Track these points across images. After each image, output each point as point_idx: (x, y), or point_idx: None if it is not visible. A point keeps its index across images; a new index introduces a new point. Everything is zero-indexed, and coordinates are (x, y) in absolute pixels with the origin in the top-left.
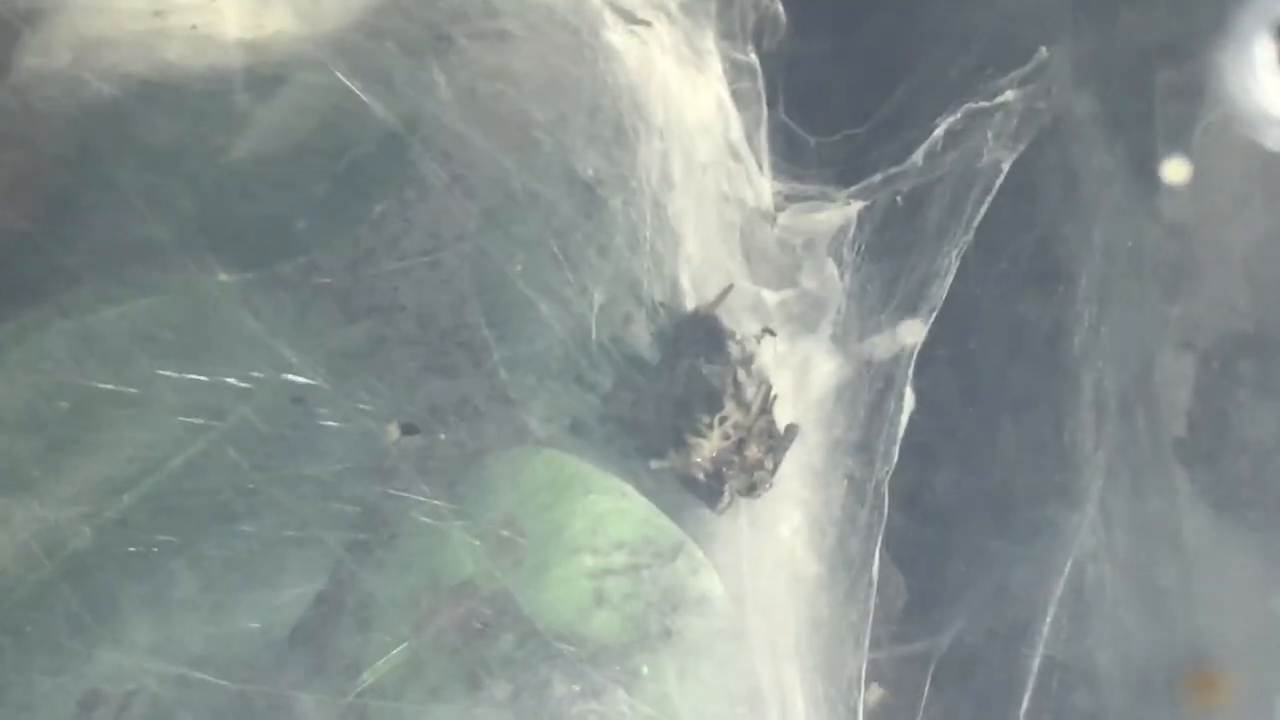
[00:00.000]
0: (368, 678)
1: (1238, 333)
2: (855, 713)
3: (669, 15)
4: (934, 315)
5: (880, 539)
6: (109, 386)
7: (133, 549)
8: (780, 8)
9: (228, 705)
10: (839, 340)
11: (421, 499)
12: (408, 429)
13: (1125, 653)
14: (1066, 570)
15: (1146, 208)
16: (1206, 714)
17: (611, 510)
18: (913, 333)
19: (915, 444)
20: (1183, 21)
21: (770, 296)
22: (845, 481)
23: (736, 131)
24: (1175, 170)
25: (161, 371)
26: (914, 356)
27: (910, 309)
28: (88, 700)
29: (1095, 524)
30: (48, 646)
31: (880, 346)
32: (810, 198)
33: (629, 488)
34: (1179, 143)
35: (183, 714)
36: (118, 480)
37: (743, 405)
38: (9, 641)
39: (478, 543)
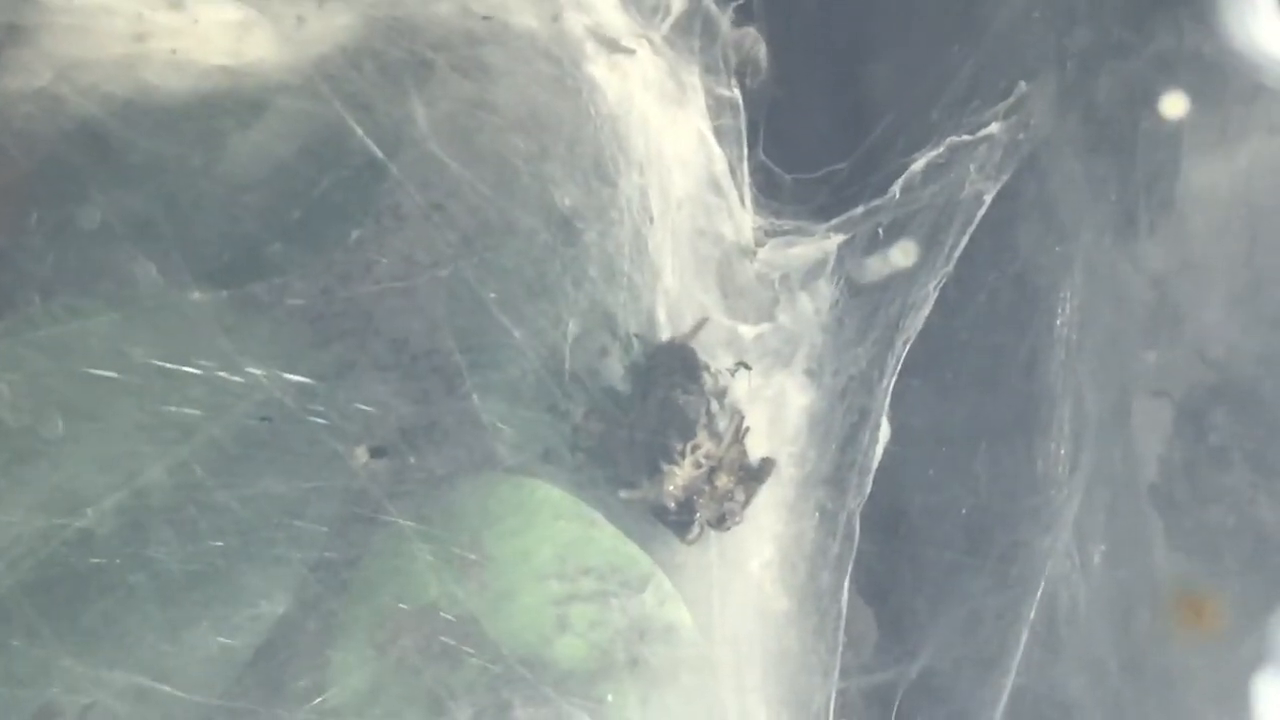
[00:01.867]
0: (331, 699)
1: (1214, 381)
2: None
3: (653, 46)
4: (910, 342)
5: (850, 570)
6: (77, 400)
7: (95, 562)
8: (763, 45)
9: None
10: (814, 375)
11: (389, 521)
12: (376, 451)
13: (1097, 681)
14: (1038, 597)
15: (1125, 247)
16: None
17: (580, 538)
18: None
19: (890, 474)
20: (1162, 59)
21: (747, 331)
22: (817, 514)
23: (718, 166)
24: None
25: (128, 387)
26: (890, 388)
27: (888, 340)
28: (44, 712)
29: (1070, 549)
30: (4, 656)
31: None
32: (790, 232)
33: (598, 516)
34: (1160, 181)
35: None
36: (82, 494)
37: (715, 435)
38: None
39: (444, 566)
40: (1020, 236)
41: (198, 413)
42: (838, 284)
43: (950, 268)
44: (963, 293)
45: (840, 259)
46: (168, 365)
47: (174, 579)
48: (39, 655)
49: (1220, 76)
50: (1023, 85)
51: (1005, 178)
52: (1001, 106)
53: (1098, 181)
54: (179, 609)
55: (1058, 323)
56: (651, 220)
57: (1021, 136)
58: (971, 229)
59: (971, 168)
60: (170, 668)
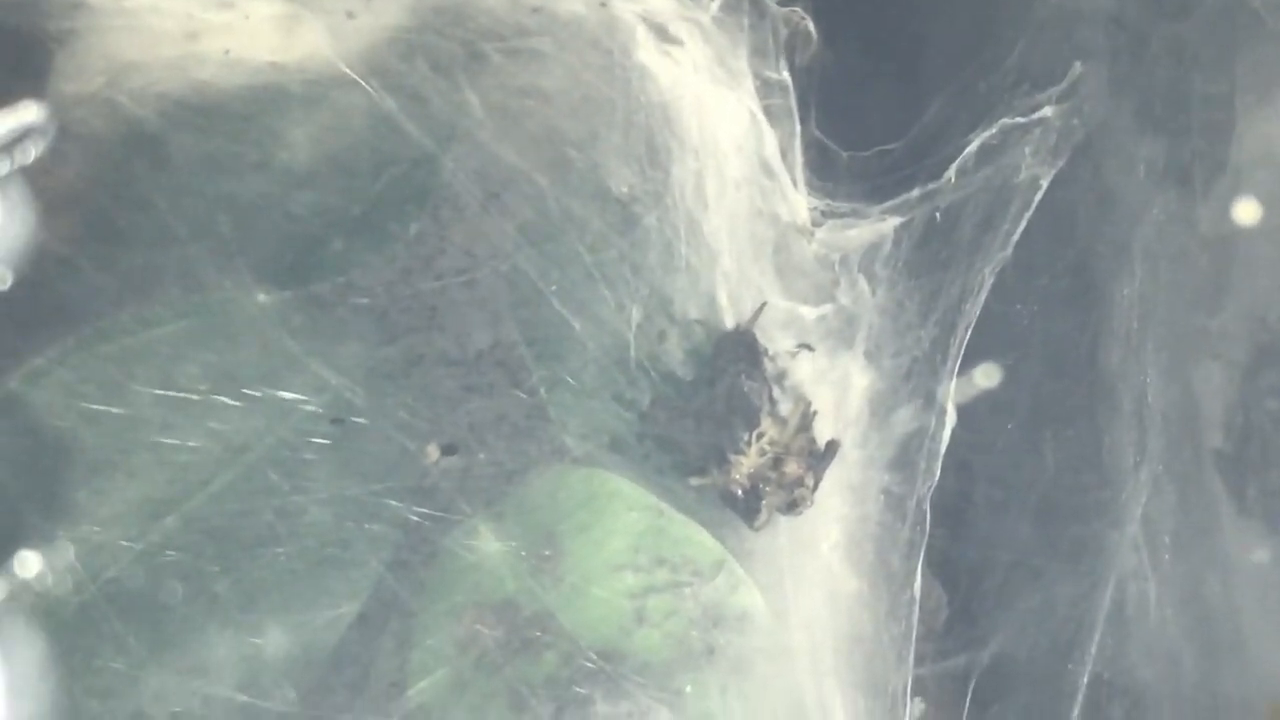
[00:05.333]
0: (413, 698)
1: (1275, 344)
2: None
3: (702, 32)
4: (969, 330)
5: (922, 555)
6: (149, 409)
7: (175, 571)
8: (811, 25)
9: None
10: (873, 357)
11: (461, 518)
12: (447, 449)
13: (1172, 671)
14: (1110, 586)
15: (1184, 220)
16: None
17: (651, 528)
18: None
19: (955, 460)
20: (1216, 32)
21: (808, 312)
22: (882, 497)
23: (770, 148)
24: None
25: (201, 393)
26: (956, 373)
27: (949, 324)
28: None
29: (1138, 540)
30: (93, 668)
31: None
32: (845, 214)
33: (667, 505)
34: (1216, 155)
35: None
36: (159, 503)
37: (780, 422)
38: (56, 664)
39: (518, 561)
40: (1078, 220)
41: (269, 417)
42: (896, 267)
43: (1008, 253)
44: (1023, 277)
45: (897, 241)
46: (238, 371)
47: (253, 585)
48: (126, 666)
49: (1272, 36)
50: (1078, 66)
51: (1061, 163)
52: (1054, 91)
53: (1153, 155)
54: (259, 614)
55: (1118, 304)
56: (707, 204)
57: (1076, 121)
58: (1029, 213)
59: (1026, 151)
60: (253, 673)
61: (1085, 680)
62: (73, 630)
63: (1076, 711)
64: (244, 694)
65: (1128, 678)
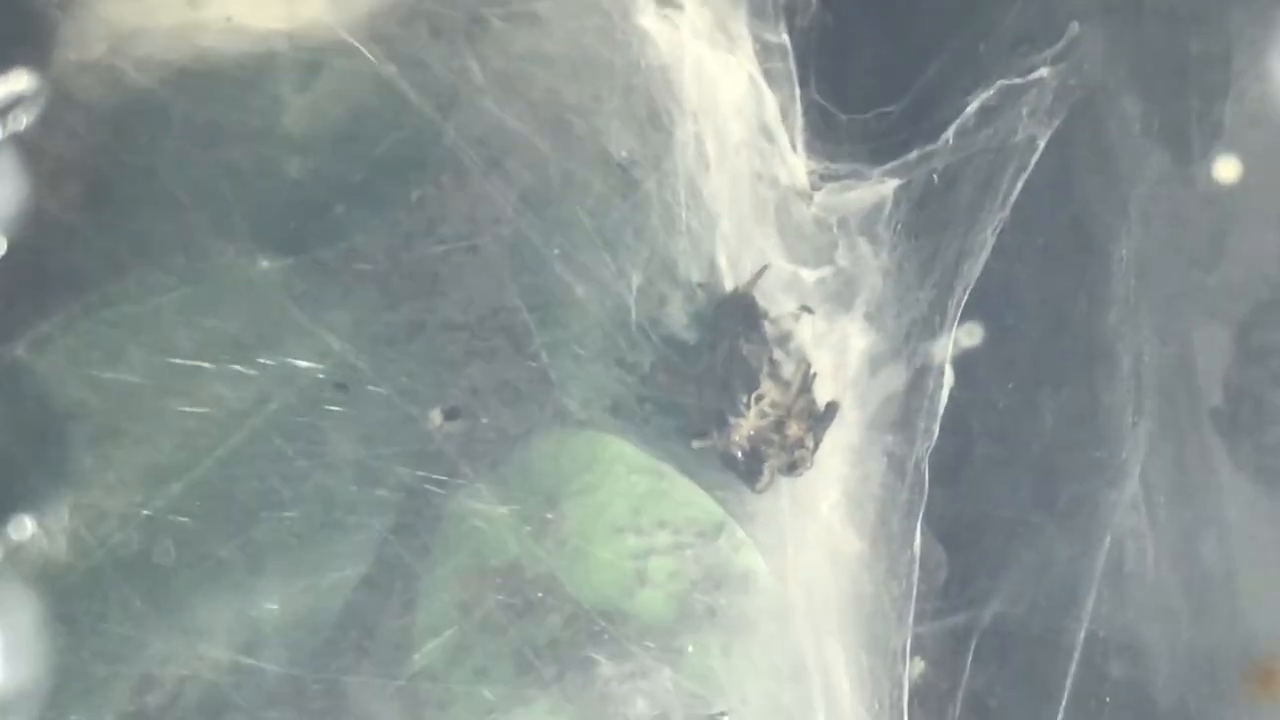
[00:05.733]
0: (418, 661)
1: (1273, 299)
2: (899, 686)
3: None
4: (968, 291)
5: (921, 515)
6: (154, 376)
7: (181, 536)
8: None
9: (279, 689)
10: (874, 319)
11: (464, 482)
12: (450, 413)
13: (1169, 627)
14: (1107, 545)
15: (1181, 179)
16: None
17: (653, 490)
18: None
19: (954, 420)
20: None
21: (808, 275)
22: (884, 458)
23: (770, 111)
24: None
25: (205, 360)
26: (954, 333)
27: (947, 285)
28: (142, 685)
29: (1136, 499)
30: (101, 633)
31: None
32: (844, 176)
33: (669, 468)
34: (1212, 111)
35: (235, 698)
36: (166, 468)
37: (780, 384)
38: (64, 628)
39: (521, 525)
40: (1075, 179)
41: (274, 382)
42: (895, 229)
43: (1006, 213)
44: (1020, 238)
45: (896, 203)
46: (242, 337)
47: (259, 549)
48: (134, 631)
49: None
50: (1075, 26)
51: (1058, 123)
52: (1051, 51)
53: (1150, 114)
54: (265, 578)
55: (1116, 263)
56: (708, 167)
57: (1073, 82)
58: (1026, 174)
59: (1023, 112)
60: (260, 636)
61: (1082, 637)
62: (79, 594)
63: (1074, 668)
64: (250, 657)
65: (1124, 635)
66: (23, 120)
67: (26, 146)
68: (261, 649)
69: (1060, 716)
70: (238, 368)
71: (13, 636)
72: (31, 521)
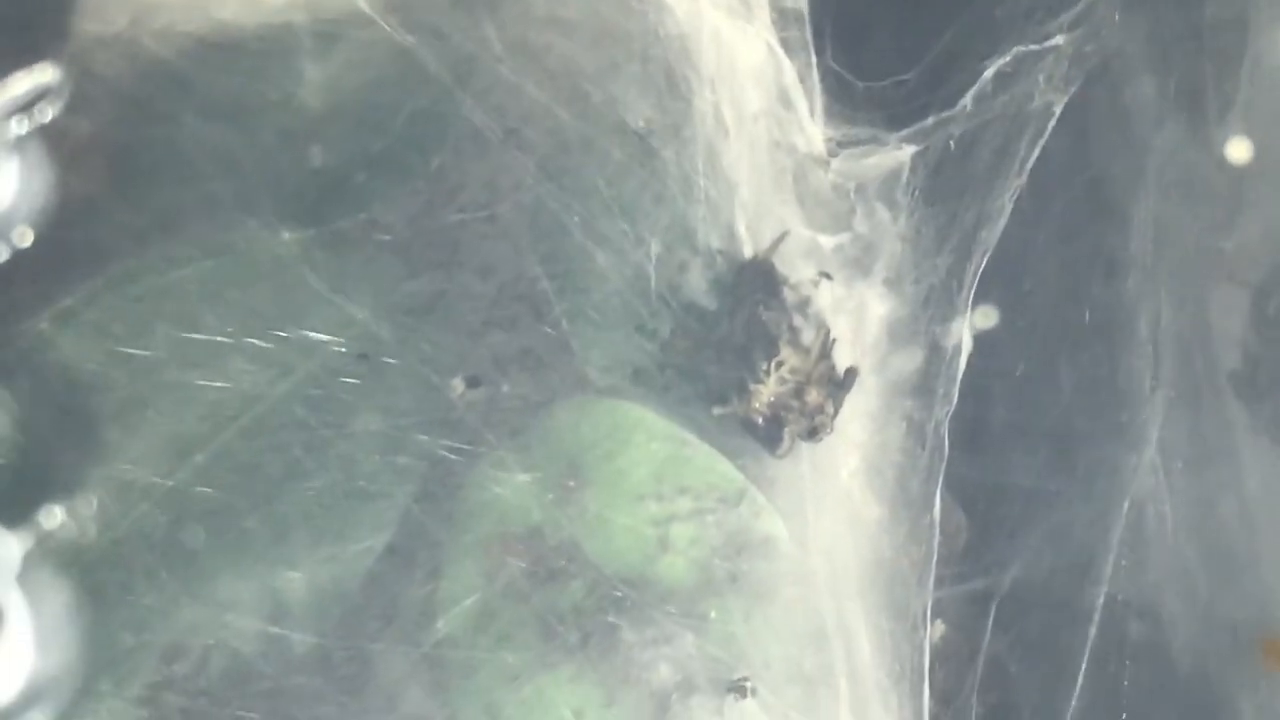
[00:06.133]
0: (442, 628)
1: None
2: (920, 650)
3: None
4: (986, 257)
5: (941, 479)
6: (177, 349)
7: (206, 507)
8: None
9: (304, 658)
10: (893, 284)
11: (486, 450)
12: (471, 382)
13: (1188, 591)
14: (1125, 509)
15: (1198, 144)
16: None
17: (674, 457)
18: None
19: (973, 385)
20: None
21: (826, 241)
22: (903, 423)
23: (788, 79)
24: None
25: (228, 332)
26: (972, 299)
27: (965, 250)
28: (169, 655)
29: (1154, 463)
30: (128, 603)
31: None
32: (862, 142)
33: (690, 434)
34: (1228, 76)
35: (261, 666)
36: (189, 439)
37: (800, 350)
38: (91, 598)
39: (543, 492)
40: (1092, 145)
41: (295, 354)
42: (913, 195)
43: (1023, 180)
44: (1038, 204)
45: (914, 170)
46: (264, 309)
47: (283, 519)
48: (161, 600)
49: None
50: None
51: (1074, 89)
52: (1067, 17)
53: (1166, 80)
54: (289, 547)
55: (1133, 229)
56: (726, 135)
57: (1089, 48)
58: (1043, 140)
59: (1040, 78)
60: (285, 605)
61: (1101, 602)
62: (106, 566)
63: (1093, 632)
64: (275, 626)
65: (1144, 599)
66: (49, 112)
67: (46, 127)
68: (286, 618)
69: (1080, 680)
70: (259, 340)
71: (45, 619)
72: (61, 510)
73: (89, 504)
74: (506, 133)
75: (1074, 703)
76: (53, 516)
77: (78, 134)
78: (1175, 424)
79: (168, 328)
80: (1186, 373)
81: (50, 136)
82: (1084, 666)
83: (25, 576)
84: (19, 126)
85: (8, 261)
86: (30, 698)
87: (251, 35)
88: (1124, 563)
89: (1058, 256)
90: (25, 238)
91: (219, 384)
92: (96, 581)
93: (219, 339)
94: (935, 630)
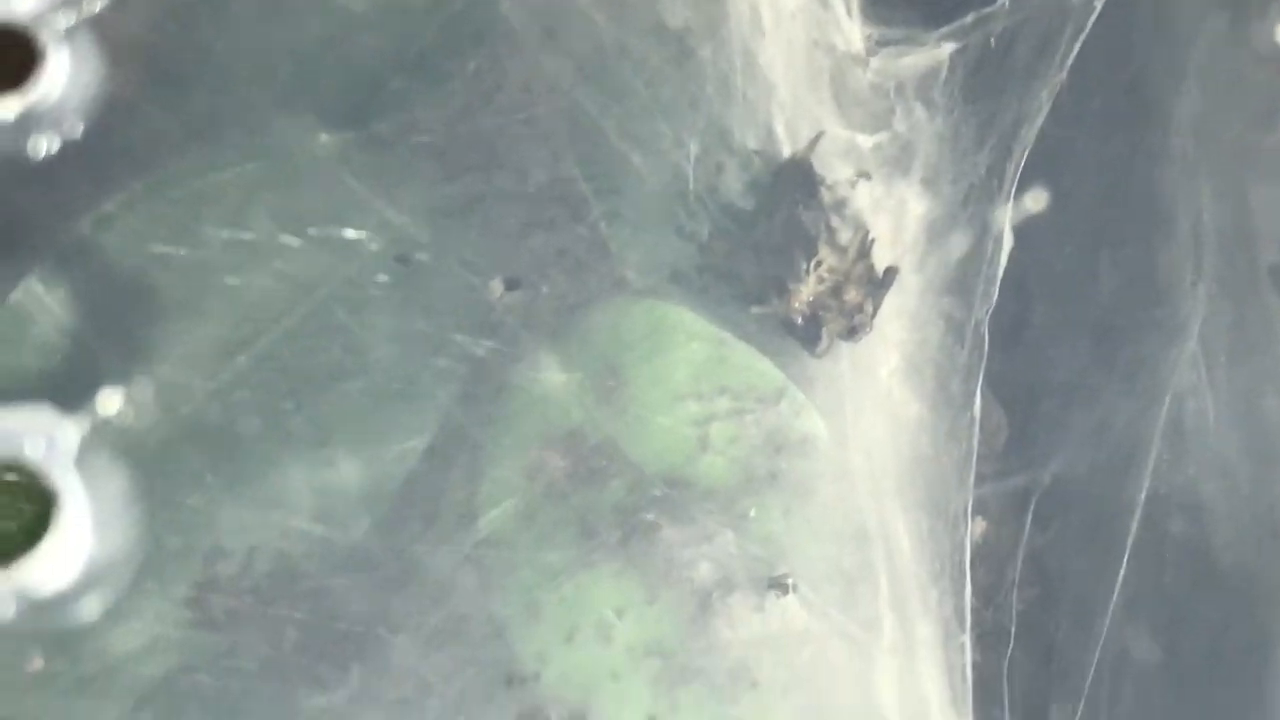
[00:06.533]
0: (483, 527)
1: None
2: (961, 547)
3: None
4: (1025, 154)
5: (981, 377)
6: (217, 251)
7: (249, 408)
8: None
9: (348, 558)
10: (930, 183)
11: (526, 352)
12: (510, 284)
13: (1229, 484)
14: (1166, 404)
15: (1240, 39)
16: None
17: (713, 357)
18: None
19: (1013, 283)
20: None
21: (864, 140)
22: (942, 322)
23: None
24: None
25: (267, 234)
26: (1012, 197)
27: (1005, 148)
28: (212, 556)
29: (1195, 358)
30: (172, 505)
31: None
32: (900, 41)
33: (729, 334)
34: None
35: (305, 566)
36: (231, 342)
37: (838, 250)
38: (137, 501)
39: (583, 393)
40: (1133, 41)
41: (335, 257)
42: (952, 93)
43: (1063, 76)
44: (1078, 101)
45: (953, 68)
46: (303, 211)
47: (325, 420)
48: (204, 503)
49: None
50: None
51: None
52: None
53: None
54: (331, 448)
55: (1173, 125)
56: (763, 34)
57: None
58: (1083, 36)
59: None
60: (327, 506)
61: (1143, 496)
62: (151, 467)
63: (1135, 526)
64: (320, 527)
65: (1185, 493)
66: (97, 3)
67: (90, 28)
68: (329, 519)
69: (1121, 573)
70: (299, 242)
71: (103, 505)
72: (118, 394)
73: (145, 390)
74: (544, 34)
75: (1115, 597)
76: (110, 402)
77: (116, 38)
78: (1216, 318)
79: (208, 230)
80: (1227, 267)
81: (97, 30)
82: (1125, 561)
83: (82, 462)
84: (67, 18)
85: (50, 160)
86: (88, 583)
87: None
88: (1165, 457)
89: (1098, 153)
90: (76, 129)
91: (260, 286)
92: (141, 483)
93: (259, 242)
94: (976, 527)
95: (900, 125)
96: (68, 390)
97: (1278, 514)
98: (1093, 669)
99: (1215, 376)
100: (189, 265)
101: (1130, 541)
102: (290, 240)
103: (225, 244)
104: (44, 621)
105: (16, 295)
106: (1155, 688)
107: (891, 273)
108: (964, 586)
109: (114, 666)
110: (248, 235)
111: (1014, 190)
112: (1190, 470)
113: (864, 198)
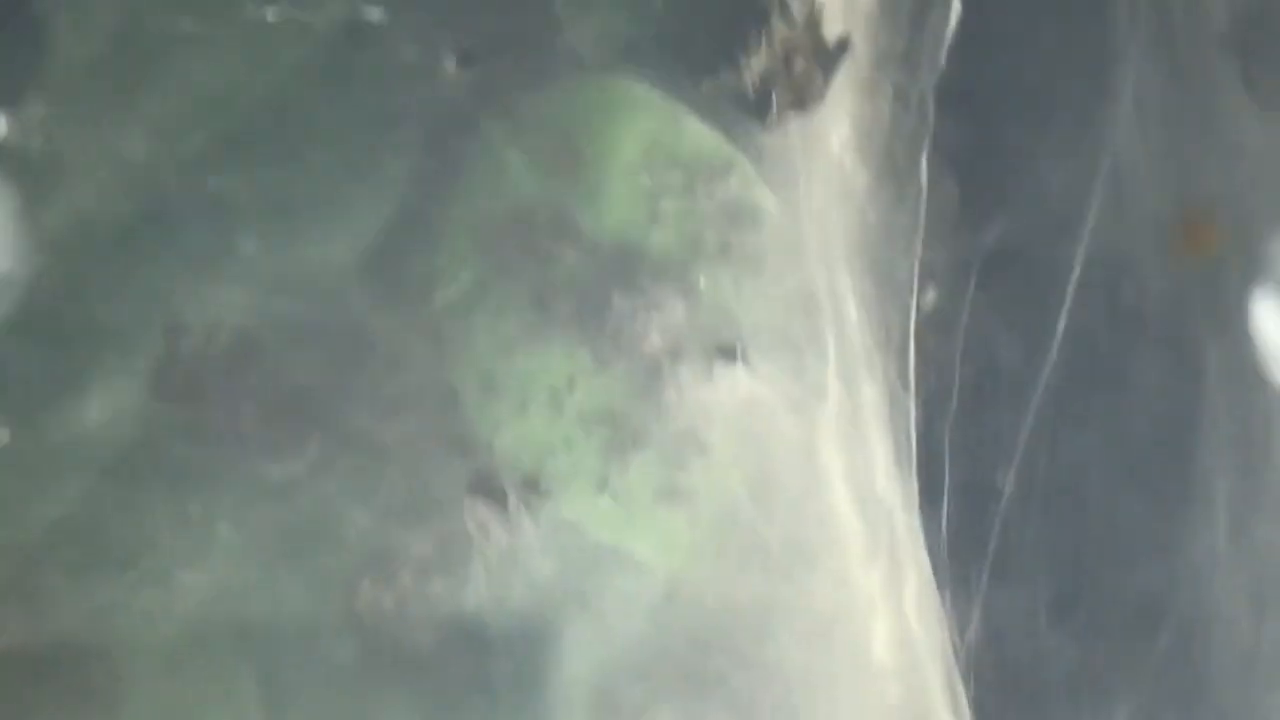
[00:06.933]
0: (438, 300)
1: None
2: (906, 313)
3: None
4: None
5: (927, 146)
6: (174, 27)
7: (207, 185)
8: None
9: (307, 331)
10: None
11: (481, 127)
12: (465, 59)
13: (1160, 245)
14: (1105, 170)
15: None
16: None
17: (665, 131)
18: None
19: (961, 52)
20: None
21: None
22: (892, 90)
23: None
24: None
25: (224, 9)
26: None
27: None
28: (173, 329)
29: (1134, 122)
30: (132, 280)
31: None
32: None
33: (681, 108)
34: None
35: (264, 339)
36: (189, 118)
37: (789, 20)
38: (96, 277)
39: (536, 168)
40: None
41: (289, 32)
42: None
43: None
44: None
45: None
46: None
47: (282, 196)
48: (162, 277)
49: None
50: None
51: None
52: None
53: None
54: (288, 222)
55: None
56: None
57: None
58: None
59: None
60: (285, 280)
61: (1081, 258)
62: (110, 245)
63: (1071, 288)
64: (277, 299)
65: (1120, 254)
66: None
67: None
68: (287, 291)
69: (1060, 326)
70: (254, 16)
71: None
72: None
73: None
74: None
75: (1053, 355)
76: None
77: None
78: (1157, 82)
79: (163, 6)
80: (1169, 31)
81: None
82: (1063, 319)
83: None
84: None
85: None
86: None
87: None
88: (1103, 222)
89: None
90: None
91: (216, 64)
92: (100, 258)
93: (214, 18)
94: (923, 294)
95: None
96: None
97: (1208, 269)
98: (1027, 429)
99: (1153, 143)
100: (145, 41)
101: (1067, 306)
102: (239, 13)
103: (180, 19)
104: None
105: None
106: (1090, 444)
107: (843, 43)
108: (908, 353)
109: (77, 439)
110: (203, 10)
111: None
112: (1123, 235)
113: None
